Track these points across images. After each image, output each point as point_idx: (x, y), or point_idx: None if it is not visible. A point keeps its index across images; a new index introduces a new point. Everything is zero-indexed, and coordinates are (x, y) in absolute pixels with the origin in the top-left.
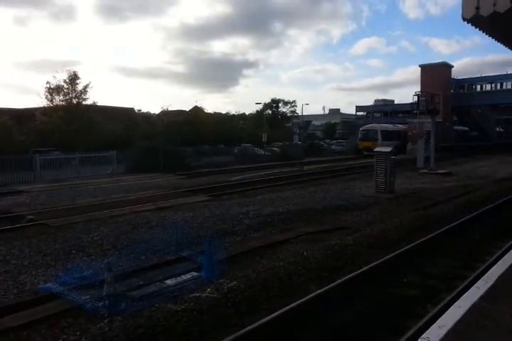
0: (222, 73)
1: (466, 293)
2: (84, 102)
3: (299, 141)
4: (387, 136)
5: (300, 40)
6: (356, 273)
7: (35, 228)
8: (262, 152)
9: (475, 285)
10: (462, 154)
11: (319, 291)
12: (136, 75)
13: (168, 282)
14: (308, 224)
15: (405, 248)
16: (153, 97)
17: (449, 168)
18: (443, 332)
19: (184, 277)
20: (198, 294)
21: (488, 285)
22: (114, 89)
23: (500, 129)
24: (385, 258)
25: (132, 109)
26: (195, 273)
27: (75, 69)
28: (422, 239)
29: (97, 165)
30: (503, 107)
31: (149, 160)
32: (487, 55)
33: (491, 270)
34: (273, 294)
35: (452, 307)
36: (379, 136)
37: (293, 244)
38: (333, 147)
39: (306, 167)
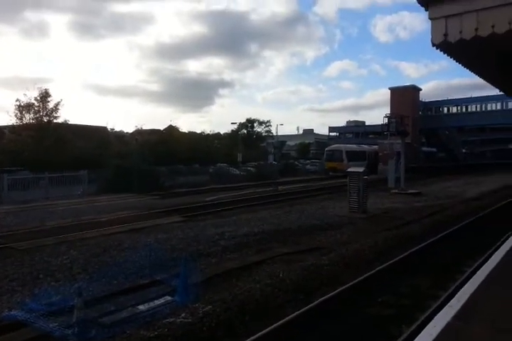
0: (198, 92)
1: (440, 313)
2: (55, 120)
3: (274, 160)
4: (353, 156)
5: (275, 61)
6: (332, 294)
7: (1, 251)
8: (237, 172)
9: (448, 304)
10: (431, 174)
11: (296, 314)
12: (110, 93)
13: (141, 307)
14: (283, 244)
15: (379, 268)
16: (127, 116)
17: (419, 188)
18: None
19: (157, 302)
20: (172, 319)
21: (461, 303)
22: (86, 107)
23: (467, 150)
24: (360, 278)
25: (105, 128)
26: (169, 298)
27: (46, 87)
28: (395, 259)
29: (67, 185)
30: (469, 129)
31: (122, 179)
32: (453, 79)
33: (463, 289)
34: (249, 317)
35: (427, 326)
36: (344, 156)
37: (269, 265)
38: (308, 167)
39: (281, 187)
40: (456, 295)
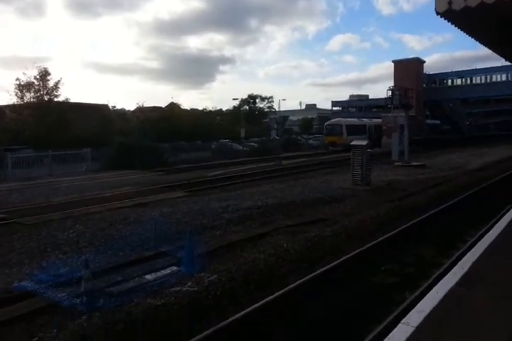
0: (198, 69)
1: (443, 279)
2: (55, 99)
3: (277, 136)
4: (353, 130)
5: (276, 36)
6: (335, 263)
7: (8, 227)
8: (240, 147)
9: (451, 271)
10: (434, 147)
11: (299, 282)
12: (110, 71)
13: (148, 277)
14: (287, 217)
15: (383, 237)
16: (128, 94)
17: (423, 160)
18: (422, 316)
19: (164, 272)
20: (178, 288)
21: (464, 271)
22: (87, 85)
23: (471, 122)
24: (364, 247)
25: (106, 106)
26: (175, 268)
27: (45, 66)
28: (398, 229)
29: (70, 163)
30: (473, 101)
31: (125, 156)
32: (457, 51)
33: (465, 257)
34: (254, 286)
35: (430, 292)
36: (344, 130)
37: (273, 237)
38: (310, 141)
39: (285, 161)
40: (459, 263)
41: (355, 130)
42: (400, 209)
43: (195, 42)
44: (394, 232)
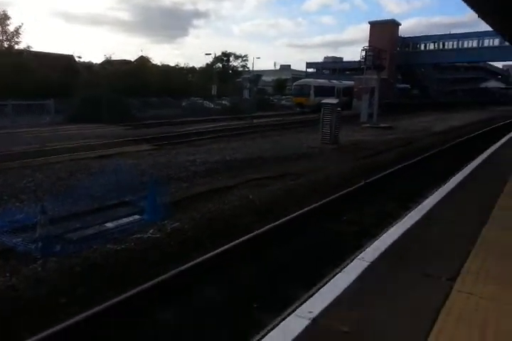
0: (171, 22)
1: (401, 222)
2: (16, 46)
3: (249, 95)
4: (322, 91)
5: None
6: (297, 213)
7: None
8: (211, 105)
9: (409, 214)
10: (403, 111)
11: (263, 229)
12: (78, 21)
13: (109, 225)
14: (255, 171)
15: (346, 190)
16: (97, 46)
17: (391, 123)
18: (376, 254)
19: (126, 220)
20: (139, 235)
21: (421, 214)
22: (53, 35)
23: (439, 88)
24: (327, 199)
25: (72, 56)
26: (137, 216)
27: (5, 10)
28: (360, 184)
29: (33, 114)
30: (445, 67)
31: (91, 110)
32: (434, 16)
33: (424, 202)
34: (217, 234)
35: (386, 233)
36: (312, 91)
37: (239, 190)
38: (283, 102)
39: (256, 120)
40: (418, 207)
41: (323, 91)
42: (365, 166)
43: None
44: (356, 186)
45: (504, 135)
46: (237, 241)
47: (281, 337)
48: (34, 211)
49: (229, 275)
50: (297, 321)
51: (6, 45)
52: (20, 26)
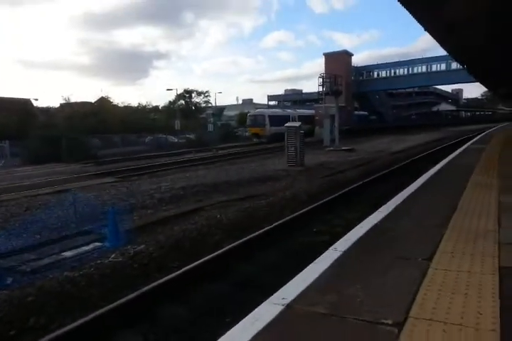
0: (132, 64)
1: (369, 217)
2: None
3: (213, 129)
4: (277, 121)
5: (212, 31)
6: (268, 228)
7: None
8: (175, 140)
9: (377, 210)
10: (363, 135)
11: (231, 245)
12: (37, 67)
13: (67, 254)
14: (222, 195)
15: (314, 205)
16: (56, 90)
17: (352, 146)
18: (348, 243)
19: (85, 248)
20: (99, 261)
21: (388, 211)
22: (10, 80)
23: (395, 113)
24: (296, 214)
25: (28, 100)
26: (98, 244)
27: None
28: (328, 198)
29: None
30: (398, 93)
31: (49, 150)
32: (384, 49)
33: (390, 202)
34: (184, 254)
35: (356, 227)
36: (267, 121)
37: (207, 211)
38: (247, 134)
39: (221, 151)
40: (384, 206)
41: (279, 120)
42: (331, 183)
43: (128, 37)
44: (324, 201)
45: (455, 150)
46: (203, 260)
47: (254, 324)
48: None
49: (197, 292)
50: (270, 307)
51: None
52: None
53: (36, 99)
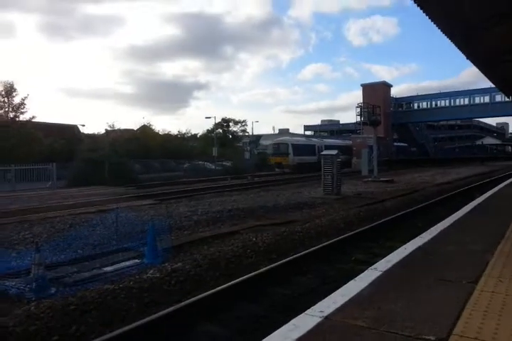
0: (173, 95)
1: (413, 240)
2: (22, 116)
3: (249, 156)
4: (301, 150)
5: (250, 63)
6: (304, 252)
7: None
8: (212, 167)
9: (419, 235)
10: (403, 167)
11: (267, 268)
12: (82, 96)
13: (107, 268)
14: (258, 219)
15: (352, 232)
16: (100, 119)
17: (391, 177)
18: (389, 264)
19: (125, 264)
20: (138, 276)
21: (431, 236)
22: (57, 110)
23: (437, 146)
24: (333, 240)
25: (75, 126)
26: (137, 260)
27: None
28: (367, 226)
29: (35, 181)
30: (439, 126)
31: (94, 172)
32: (423, 81)
33: (434, 227)
34: (220, 273)
35: (399, 248)
36: (290, 150)
37: (242, 234)
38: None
39: (257, 178)
40: (428, 231)
41: (303, 150)
42: (369, 212)
43: (170, 68)
44: (362, 229)
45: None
46: (237, 280)
47: (293, 333)
48: (30, 258)
49: (236, 310)
50: (307, 319)
51: (11, 116)
52: (26, 97)
53: (83, 125)
